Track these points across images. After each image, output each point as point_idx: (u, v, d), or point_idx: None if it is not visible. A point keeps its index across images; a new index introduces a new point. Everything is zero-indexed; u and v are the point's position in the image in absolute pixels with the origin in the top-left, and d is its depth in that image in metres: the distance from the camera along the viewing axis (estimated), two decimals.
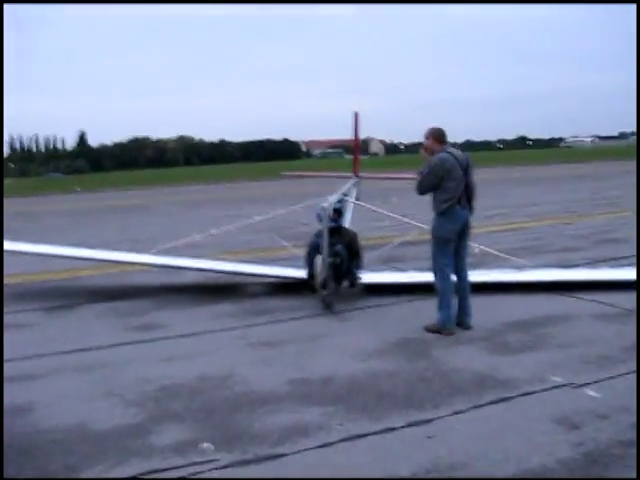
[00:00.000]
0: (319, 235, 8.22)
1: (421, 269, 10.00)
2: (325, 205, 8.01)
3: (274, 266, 10.07)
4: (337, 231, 8.71)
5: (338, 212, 8.84)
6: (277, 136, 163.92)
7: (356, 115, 12.67)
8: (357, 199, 12.55)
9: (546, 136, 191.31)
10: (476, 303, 7.40)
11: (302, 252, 9.04)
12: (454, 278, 7.15)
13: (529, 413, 5.00)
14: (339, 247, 8.31)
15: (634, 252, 11.50)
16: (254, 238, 15.37)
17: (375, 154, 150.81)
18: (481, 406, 5.16)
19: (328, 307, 8.11)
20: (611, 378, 5.63)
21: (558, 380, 5.60)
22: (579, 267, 10.38)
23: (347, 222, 10.20)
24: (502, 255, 10.18)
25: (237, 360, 6.52)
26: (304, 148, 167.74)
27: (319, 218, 8.16)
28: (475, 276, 7.60)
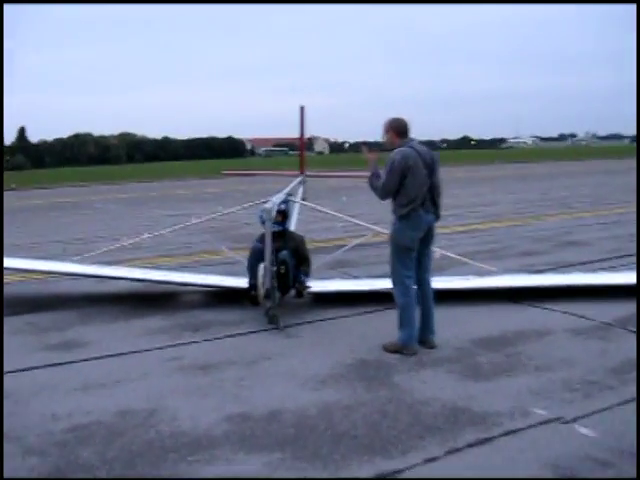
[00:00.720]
0: (262, 240, 7.27)
1: (375, 276, 9.20)
2: (268, 206, 7.04)
3: (211, 274, 9.08)
4: (282, 235, 7.78)
5: (283, 214, 7.90)
6: (221, 134, 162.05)
7: (302, 109, 11.77)
8: (304, 199, 11.67)
9: (489, 136, 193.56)
10: (439, 315, 6.57)
11: (244, 256, 8.09)
12: (416, 291, 6.28)
13: (515, 459, 4.16)
14: (284, 253, 7.39)
15: (597, 256, 10.93)
16: (194, 240, 14.34)
17: (320, 152, 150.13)
18: (457, 450, 4.29)
19: (273, 321, 7.17)
20: (603, 410, 4.83)
21: (542, 413, 4.78)
22: (544, 272, 9.67)
23: (293, 225, 9.30)
24: (463, 259, 9.36)
25: (166, 389, 5.53)
26: (249, 146, 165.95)
27: (261, 221, 7.21)
28: (436, 283, 6.71)
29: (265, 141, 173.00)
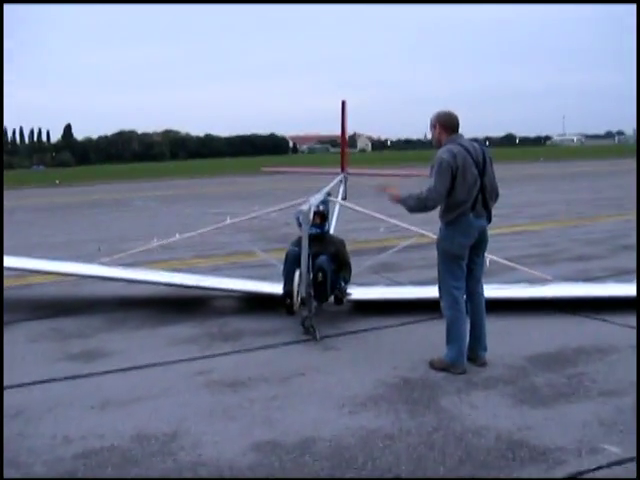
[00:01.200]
0: (298, 244, 6.76)
1: (420, 281, 8.62)
2: (305, 208, 6.50)
3: (245, 279, 8.57)
4: (320, 239, 7.26)
5: (322, 216, 7.36)
6: (264, 131, 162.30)
7: (343, 104, 11.22)
8: (344, 198, 11.13)
9: (532, 134, 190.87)
10: (489, 328, 5.95)
11: (280, 259, 7.58)
12: (465, 303, 5.70)
13: None
14: (322, 259, 6.87)
15: None
16: (231, 240, 13.88)
17: (362, 150, 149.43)
18: None
19: (309, 332, 6.65)
20: None
21: (615, 451, 4.16)
22: (602, 280, 8.98)
23: (333, 226, 8.77)
24: (514, 265, 8.68)
25: (190, 409, 5.04)
26: (291, 143, 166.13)
27: (298, 223, 6.68)
28: (485, 291, 6.09)
29: (307, 138, 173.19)
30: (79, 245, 14.66)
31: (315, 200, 7.15)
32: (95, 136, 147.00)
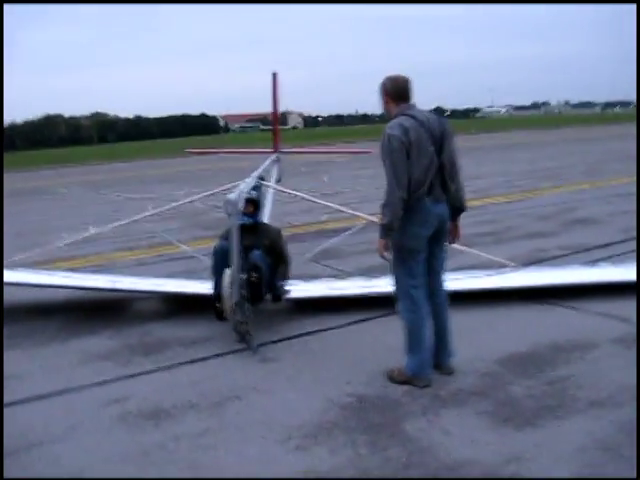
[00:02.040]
0: (228, 237, 5.78)
1: (366, 270, 7.78)
2: (233, 197, 5.48)
3: (169, 278, 7.53)
4: (253, 230, 6.32)
5: (254, 203, 6.40)
6: (194, 111, 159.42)
7: (274, 76, 10.25)
8: (279, 180, 10.20)
9: (463, 107, 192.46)
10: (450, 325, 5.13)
11: (207, 249, 6.61)
12: (426, 303, 4.82)
13: None
14: (256, 254, 5.93)
15: (615, 236, 9.55)
16: (159, 228, 12.75)
17: (294, 127, 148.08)
18: None
19: (244, 339, 5.72)
20: None
21: None
22: (562, 259, 8.30)
23: (267, 214, 7.83)
24: (474, 252, 7.78)
25: (98, 455, 4.06)
26: (222, 122, 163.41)
27: (227, 213, 5.67)
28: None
29: (239, 117, 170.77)
30: None
31: (245, 186, 6.16)
32: (20, 121, 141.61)
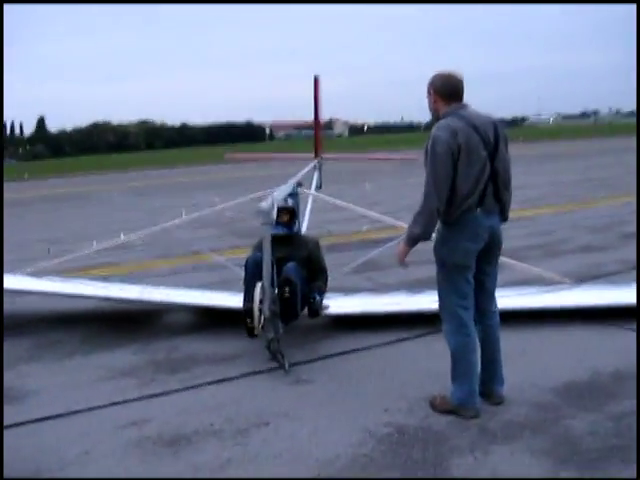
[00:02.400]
0: (261, 249, 5.37)
1: (411, 284, 7.34)
2: (265, 206, 5.05)
3: (200, 290, 7.15)
4: (288, 240, 5.93)
5: (290, 212, 6.01)
6: (240, 119, 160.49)
7: (316, 80, 9.86)
8: (319, 187, 9.81)
9: (509, 115, 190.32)
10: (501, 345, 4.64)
11: (241, 260, 6.21)
12: (475, 326, 4.34)
13: None
14: (290, 267, 5.51)
15: None
16: (197, 235, 12.52)
17: (339, 135, 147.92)
18: None
19: (275, 358, 5.32)
20: None
21: None
22: (621, 276, 7.73)
23: (305, 223, 7.42)
24: (524, 266, 7.23)
25: None
26: (268, 131, 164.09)
27: (260, 223, 5.25)
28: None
29: (284, 125, 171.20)
30: (24, 246, 13.14)
31: (280, 193, 5.75)
32: (69, 128, 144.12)
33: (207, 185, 28.22)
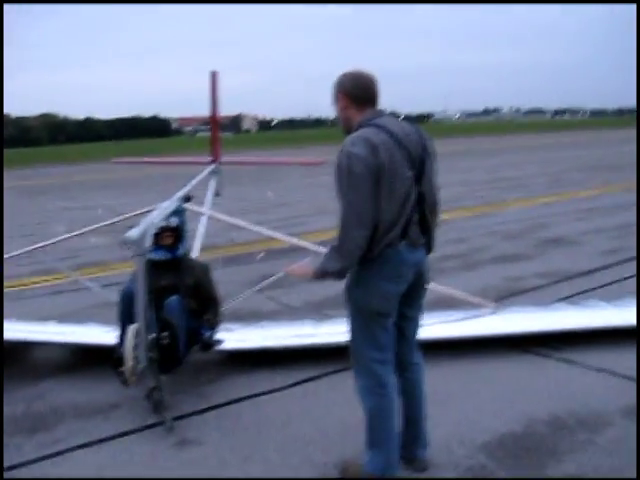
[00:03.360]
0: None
1: (318, 306, 6.58)
2: (134, 234, 4.09)
3: (76, 322, 6.10)
4: (172, 266, 5.05)
5: (174, 232, 5.11)
6: (146, 113, 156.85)
7: (214, 75, 8.96)
8: (217, 194, 8.94)
9: (415, 112, 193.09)
10: None
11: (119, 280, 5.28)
12: (395, 382, 3.54)
13: None
14: (172, 304, 4.64)
15: (595, 262, 8.51)
16: (85, 245, 11.37)
17: (247, 131, 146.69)
18: None
19: (158, 409, 4.45)
20: None
21: None
22: (540, 293, 7.19)
23: (197, 244, 6.54)
24: (453, 292, 6.40)
25: None
26: (175, 125, 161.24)
27: (133, 250, 4.30)
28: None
29: (192, 120, 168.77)
30: None
31: (158, 214, 4.80)
32: None
33: (107, 184, 26.85)
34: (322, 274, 3.33)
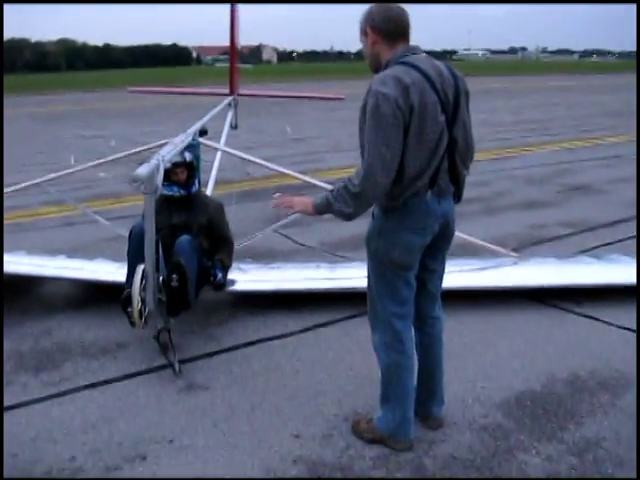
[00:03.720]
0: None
1: (334, 246, 6.44)
2: (142, 171, 3.72)
3: (86, 256, 5.94)
4: (186, 203, 4.88)
5: (188, 168, 4.90)
6: (166, 40, 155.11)
7: (233, 8, 8.60)
8: (235, 127, 8.72)
9: (438, 48, 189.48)
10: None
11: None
12: (414, 338, 3.41)
13: None
14: (183, 244, 4.48)
15: (622, 212, 8.24)
16: (103, 176, 11.21)
17: (268, 61, 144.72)
18: None
19: (165, 352, 4.34)
20: None
21: None
22: (563, 243, 6.99)
23: (211, 182, 6.35)
24: (472, 240, 6.08)
25: None
26: (195, 54, 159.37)
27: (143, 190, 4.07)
28: None
29: (212, 49, 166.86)
30: None
31: (170, 149, 4.55)
32: None
33: (124, 113, 26.58)
34: (324, 211, 3.14)
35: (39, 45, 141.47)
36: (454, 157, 3.13)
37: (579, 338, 4.67)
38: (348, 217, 3.08)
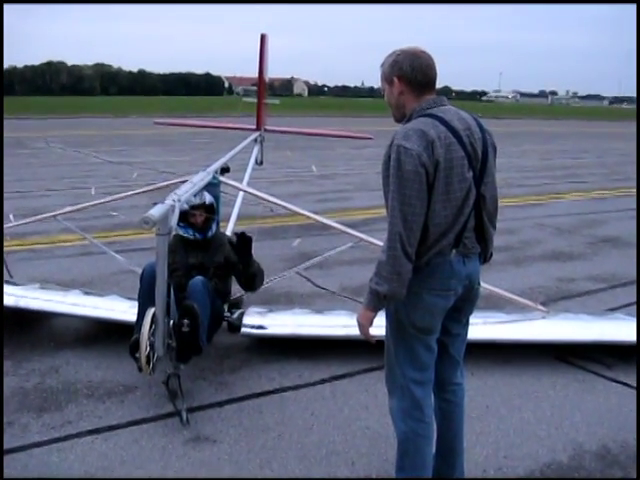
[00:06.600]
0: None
1: (355, 292, 6.25)
2: (155, 213, 3.51)
3: (98, 296, 5.72)
4: (203, 245, 4.73)
5: (207, 210, 4.76)
6: (199, 69, 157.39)
7: (262, 38, 8.56)
8: (260, 162, 8.61)
9: (469, 88, 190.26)
10: None
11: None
12: (432, 406, 3.18)
13: None
14: (196, 287, 4.31)
15: None
16: (126, 203, 11.09)
17: (299, 95, 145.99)
18: None
19: (173, 399, 4.15)
20: None
21: None
22: (593, 299, 6.73)
23: (230, 224, 6.22)
24: (502, 293, 5.69)
25: None
26: (227, 84, 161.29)
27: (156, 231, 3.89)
28: None
29: (243, 79, 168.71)
30: None
31: (188, 189, 4.38)
32: (20, 65, 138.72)
33: (152, 140, 26.70)
34: (373, 301, 2.85)
35: (76, 68, 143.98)
36: (481, 215, 2.95)
37: (610, 405, 4.42)
38: (392, 295, 2.80)
